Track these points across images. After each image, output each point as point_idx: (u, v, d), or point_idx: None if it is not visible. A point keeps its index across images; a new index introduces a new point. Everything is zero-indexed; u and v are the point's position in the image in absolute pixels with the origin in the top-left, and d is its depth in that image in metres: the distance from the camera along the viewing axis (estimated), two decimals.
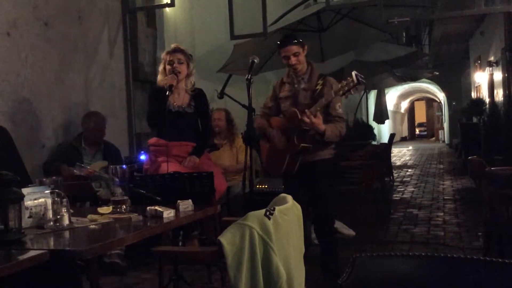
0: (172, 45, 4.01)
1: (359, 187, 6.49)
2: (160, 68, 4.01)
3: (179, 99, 3.95)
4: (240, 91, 4.79)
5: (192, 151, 3.92)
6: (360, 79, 3.31)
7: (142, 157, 5.00)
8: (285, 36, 3.97)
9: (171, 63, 3.89)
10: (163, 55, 4.01)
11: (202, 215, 2.77)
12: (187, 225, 3.31)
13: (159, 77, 3.99)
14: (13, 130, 4.06)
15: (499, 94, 11.87)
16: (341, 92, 3.41)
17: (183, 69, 3.90)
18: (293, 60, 3.65)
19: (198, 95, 4.02)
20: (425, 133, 37.62)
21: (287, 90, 3.80)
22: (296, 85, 3.75)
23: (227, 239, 1.96)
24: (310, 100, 3.62)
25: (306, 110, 3.47)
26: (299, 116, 3.51)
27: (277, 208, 2.11)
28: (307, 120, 3.44)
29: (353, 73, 3.35)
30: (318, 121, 3.46)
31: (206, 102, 4.11)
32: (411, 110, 38.50)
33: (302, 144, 3.57)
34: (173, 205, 2.57)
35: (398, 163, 15.72)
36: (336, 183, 6.53)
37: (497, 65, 11.97)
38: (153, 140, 4.01)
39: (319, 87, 3.64)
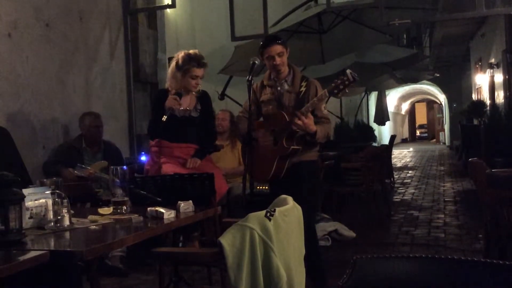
0: (199, 57, 3.78)
1: (359, 189, 6.49)
2: (177, 74, 3.79)
3: (185, 103, 3.89)
4: (241, 93, 4.80)
5: (195, 154, 3.90)
6: (354, 76, 3.26)
7: (143, 158, 5.01)
8: (268, 36, 3.88)
9: (195, 77, 3.78)
10: (185, 64, 3.76)
11: (202, 216, 2.77)
12: (188, 226, 3.31)
13: (174, 83, 3.83)
14: (14, 131, 4.07)
15: (499, 96, 11.88)
16: (335, 91, 3.33)
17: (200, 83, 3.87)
18: (278, 60, 3.56)
19: (203, 97, 3.97)
20: (426, 135, 37.64)
21: (270, 93, 3.70)
22: (279, 88, 3.67)
23: (228, 240, 1.97)
24: (295, 102, 3.58)
25: (297, 112, 3.40)
26: (287, 118, 3.46)
27: (277, 209, 2.11)
28: (298, 121, 3.38)
29: (348, 71, 3.30)
30: (310, 122, 3.41)
31: (210, 104, 4.05)
32: (411, 112, 38.52)
33: (292, 146, 3.50)
34: (173, 206, 2.57)
35: (399, 164, 15.72)
36: (336, 184, 6.55)
37: (497, 67, 11.97)
38: (155, 141, 4.00)
39: (303, 89, 3.59)
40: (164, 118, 3.67)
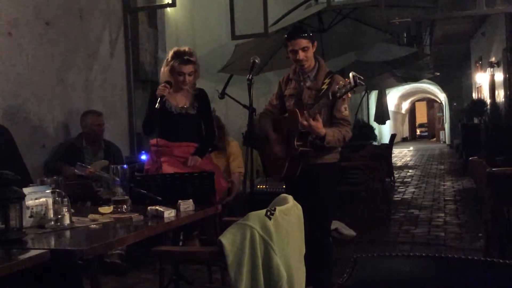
0: (183, 53, 3.79)
1: (359, 188, 6.49)
2: (166, 69, 3.86)
3: (182, 100, 3.91)
4: (241, 91, 4.79)
5: (194, 152, 3.90)
6: (358, 81, 3.00)
7: (143, 157, 5.01)
8: (294, 28, 3.64)
9: (181, 74, 3.79)
10: (171, 57, 3.82)
11: (202, 215, 2.77)
12: (188, 225, 3.31)
13: (163, 79, 3.89)
14: (14, 129, 4.06)
15: (500, 95, 11.87)
16: (338, 95, 3.09)
17: (191, 80, 3.84)
18: (301, 55, 3.33)
19: (200, 95, 3.98)
20: (426, 133, 37.64)
21: (293, 88, 3.51)
22: (302, 83, 3.46)
23: (228, 239, 1.97)
24: (314, 100, 3.33)
25: (304, 112, 3.20)
26: (300, 118, 3.24)
27: (277, 208, 2.11)
28: (304, 123, 3.16)
29: (351, 74, 3.04)
30: (317, 125, 3.18)
31: (208, 103, 4.05)
32: (412, 111, 38.50)
33: (301, 148, 3.30)
34: (173, 205, 2.57)
35: (399, 163, 15.71)
36: (337, 184, 6.55)
37: (498, 66, 11.96)
38: (154, 140, 4.01)
39: (325, 86, 3.33)
40: (158, 105, 3.64)
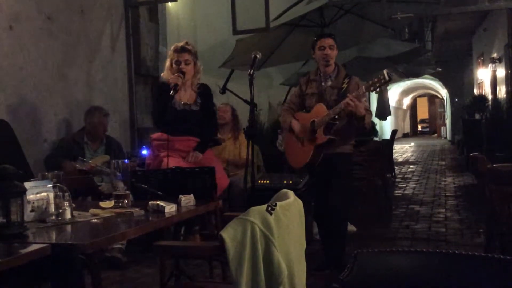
0: (180, 44, 3.91)
1: (360, 183, 6.49)
2: (167, 64, 3.95)
3: (185, 96, 3.91)
4: (242, 87, 4.79)
5: (196, 147, 3.90)
6: (390, 76, 3.61)
7: (144, 151, 5.01)
8: (323, 32, 4.34)
9: (177, 63, 3.84)
10: (170, 51, 3.95)
11: (203, 210, 2.78)
12: (189, 220, 3.31)
13: (165, 73, 3.93)
14: (15, 124, 4.07)
15: (501, 91, 11.85)
16: (372, 88, 3.69)
17: (189, 70, 3.85)
18: (328, 51, 3.95)
19: (204, 92, 3.98)
20: (427, 129, 37.60)
21: (315, 87, 4.05)
22: (323, 83, 4.02)
23: (229, 234, 1.97)
24: (336, 96, 3.89)
25: (349, 95, 3.69)
26: (327, 111, 3.81)
27: (278, 203, 2.11)
28: (351, 102, 3.64)
29: (384, 71, 3.63)
30: (361, 105, 3.69)
31: (211, 98, 4.07)
32: (413, 107, 38.45)
33: (329, 136, 3.81)
34: (175, 199, 2.57)
35: (400, 159, 15.71)
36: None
37: (500, 62, 11.94)
38: (156, 134, 4.01)
39: (345, 85, 3.92)
40: (172, 93, 3.72)
